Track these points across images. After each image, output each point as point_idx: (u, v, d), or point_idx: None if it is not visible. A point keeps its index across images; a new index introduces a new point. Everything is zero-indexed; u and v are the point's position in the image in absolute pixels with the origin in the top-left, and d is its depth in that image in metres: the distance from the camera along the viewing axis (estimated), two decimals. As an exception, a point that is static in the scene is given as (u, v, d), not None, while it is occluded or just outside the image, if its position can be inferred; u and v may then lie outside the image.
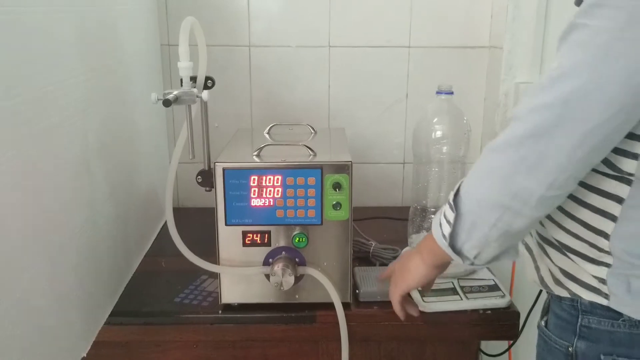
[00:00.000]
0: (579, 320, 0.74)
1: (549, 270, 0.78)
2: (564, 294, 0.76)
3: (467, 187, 0.73)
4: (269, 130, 1.15)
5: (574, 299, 0.75)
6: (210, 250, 0.97)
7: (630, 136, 0.65)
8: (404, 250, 1.13)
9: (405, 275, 0.88)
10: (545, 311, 0.82)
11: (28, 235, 0.72)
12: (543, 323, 0.81)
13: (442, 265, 0.85)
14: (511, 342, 1.20)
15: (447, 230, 0.75)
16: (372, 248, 1.15)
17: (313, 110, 1.43)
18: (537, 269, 0.81)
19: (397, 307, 0.91)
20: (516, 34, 1.26)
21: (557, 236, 0.75)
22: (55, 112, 0.78)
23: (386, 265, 1.12)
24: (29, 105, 0.71)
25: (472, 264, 0.77)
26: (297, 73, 1.41)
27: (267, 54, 1.40)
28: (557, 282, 0.76)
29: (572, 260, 0.73)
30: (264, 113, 1.43)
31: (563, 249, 0.74)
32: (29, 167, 0.72)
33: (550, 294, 0.79)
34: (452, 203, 0.74)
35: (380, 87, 1.42)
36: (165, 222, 1.36)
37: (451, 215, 0.73)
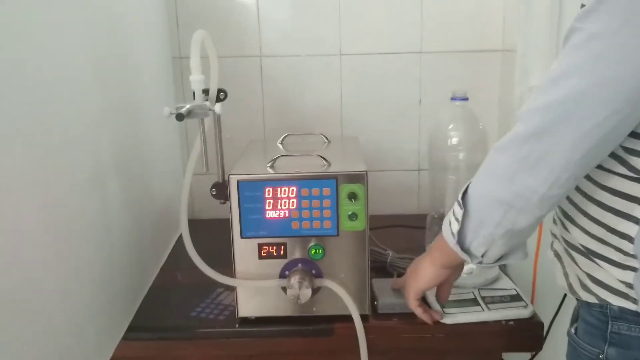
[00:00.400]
0: (609, 326, 0.73)
1: (577, 276, 0.77)
2: (592, 300, 0.74)
3: (474, 186, 0.75)
4: (282, 140, 1.14)
5: (603, 305, 0.73)
6: (225, 263, 0.96)
7: None
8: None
9: (416, 277, 0.90)
10: (575, 318, 0.81)
11: (43, 253, 0.71)
12: (573, 330, 0.80)
13: (452, 267, 0.86)
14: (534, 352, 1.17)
15: (455, 227, 0.77)
16: (389, 258, 1.13)
17: (325, 118, 1.42)
18: (566, 275, 0.80)
19: (418, 312, 0.92)
20: (529, 36, 1.24)
21: (583, 241, 0.74)
22: (68, 127, 0.78)
23: (404, 275, 1.11)
24: (41, 121, 0.70)
25: (481, 262, 0.79)
26: (309, 82, 1.40)
27: (278, 63, 1.39)
28: (585, 288, 0.75)
29: (599, 266, 0.72)
30: (276, 123, 1.43)
31: (589, 254, 0.73)
32: (43, 183, 0.71)
33: (580, 300, 0.78)
34: (460, 201, 0.76)
35: (393, 93, 1.41)
36: (180, 234, 1.36)
37: (459, 213, 0.76)
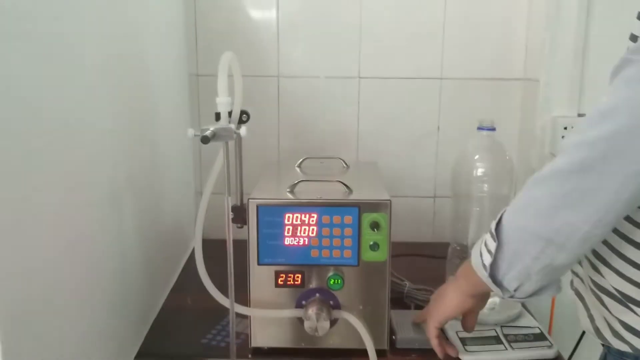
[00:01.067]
0: None
1: (606, 321, 0.73)
2: (624, 348, 0.71)
3: (510, 217, 0.72)
4: (300, 164, 1.11)
5: (638, 356, 0.69)
6: (239, 288, 0.92)
7: None
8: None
9: (440, 305, 0.86)
10: None
11: (60, 278, 0.68)
12: None
13: (479, 296, 0.83)
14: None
15: (487, 260, 0.73)
16: (406, 289, 1.10)
17: (341, 142, 1.40)
18: (592, 318, 0.76)
19: (434, 342, 0.89)
20: (554, 66, 1.22)
21: (618, 286, 0.70)
22: (84, 145, 0.75)
23: (421, 307, 1.07)
24: (56, 140, 0.68)
25: (512, 296, 0.75)
26: (326, 104, 1.38)
27: (295, 84, 1.37)
28: (617, 336, 0.71)
29: (636, 313, 0.68)
30: (291, 145, 1.40)
31: (625, 300, 0.69)
32: (58, 203, 0.68)
33: (608, 347, 0.74)
34: (493, 232, 0.72)
35: (411, 119, 1.39)
36: (190, 254, 1.33)
37: (492, 245, 0.72)
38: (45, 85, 0.65)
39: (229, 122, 0.80)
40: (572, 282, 0.82)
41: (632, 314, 0.69)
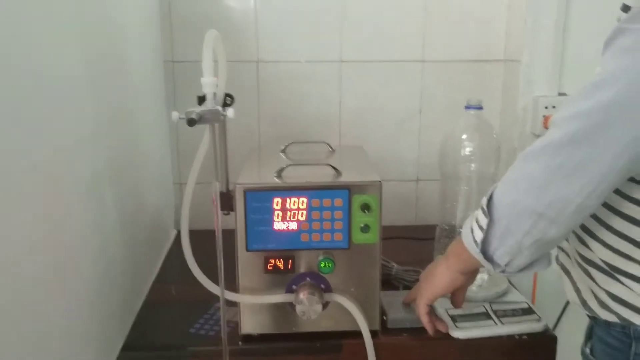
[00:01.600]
0: (633, 347, 0.70)
1: (593, 293, 0.74)
2: (612, 319, 0.71)
3: (501, 193, 0.71)
4: (285, 149, 1.09)
5: (625, 325, 0.70)
6: (227, 276, 0.90)
7: None
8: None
9: (430, 283, 0.86)
10: (589, 336, 0.78)
11: (42, 271, 0.65)
12: (588, 350, 0.77)
13: (469, 272, 0.84)
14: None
15: (479, 236, 0.73)
16: (394, 270, 1.09)
17: (323, 127, 1.38)
18: (578, 291, 0.77)
19: (424, 319, 0.89)
20: (535, 47, 1.23)
21: (604, 257, 0.71)
22: (62, 137, 0.72)
23: (410, 288, 1.07)
24: (34, 131, 0.64)
25: (503, 271, 0.75)
26: (307, 89, 1.36)
27: (275, 69, 1.35)
28: (604, 306, 0.72)
29: (623, 284, 0.69)
30: (273, 130, 1.38)
31: (612, 270, 0.70)
32: (36, 196, 0.65)
33: (595, 318, 0.75)
34: (485, 208, 0.72)
35: (394, 102, 1.38)
36: (172, 244, 1.30)
37: (484, 221, 0.72)
38: (20, 72, 0.62)
39: (215, 105, 0.77)
40: (557, 257, 0.82)
41: (619, 284, 0.70)
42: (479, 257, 0.75)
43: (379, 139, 1.39)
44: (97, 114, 0.85)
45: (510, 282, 1.06)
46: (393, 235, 1.32)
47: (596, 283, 0.72)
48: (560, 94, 1.25)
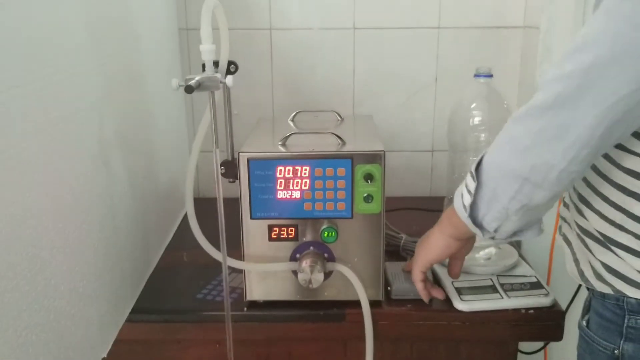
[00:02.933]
0: (625, 320, 0.69)
1: (590, 264, 0.72)
2: (607, 290, 0.70)
3: (489, 157, 0.71)
4: (293, 117, 1.09)
5: (619, 297, 0.69)
6: (233, 244, 0.91)
7: None
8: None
9: (425, 249, 0.87)
10: (587, 309, 0.76)
11: (44, 233, 0.67)
12: (584, 323, 0.75)
13: (463, 239, 0.83)
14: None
15: (467, 200, 0.73)
16: (402, 242, 1.09)
17: (337, 96, 1.37)
18: (577, 262, 0.75)
19: (419, 286, 0.89)
20: (554, 13, 1.18)
21: (600, 228, 0.69)
22: (68, 101, 0.73)
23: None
24: (39, 95, 0.65)
25: (493, 237, 0.75)
26: (320, 57, 1.35)
27: (288, 37, 1.33)
28: (600, 278, 0.71)
29: (617, 255, 0.68)
30: (286, 100, 1.37)
31: (607, 242, 0.68)
32: (42, 160, 0.67)
33: (592, 290, 0.74)
34: (473, 173, 0.72)
35: (408, 71, 1.35)
36: (186, 213, 1.32)
37: (472, 185, 0.72)
38: (25, 37, 0.62)
39: (216, 72, 0.77)
40: (560, 228, 0.81)
41: (613, 254, 0.68)
42: (467, 222, 0.75)
43: (393, 109, 1.37)
44: (106, 79, 0.85)
45: (521, 255, 1.05)
46: (406, 206, 1.32)
47: (592, 254, 0.71)
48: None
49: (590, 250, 0.72)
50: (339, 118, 1.09)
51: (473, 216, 0.74)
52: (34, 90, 0.64)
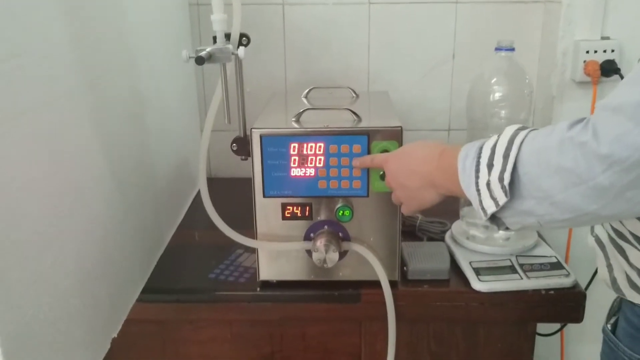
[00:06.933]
0: None
1: (624, 271, 0.68)
2: (638, 300, 0.66)
3: (536, 175, 0.57)
4: (307, 94, 1.06)
5: None
6: (246, 223, 0.90)
7: None
8: (454, 224, 1.04)
9: (416, 200, 0.77)
10: (613, 313, 0.73)
11: (51, 211, 0.65)
12: (609, 327, 0.72)
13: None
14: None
15: (490, 207, 0.62)
16: (418, 221, 1.06)
17: (351, 72, 1.33)
18: (610, 267, 0.71)
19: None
20: (578, -15, 1.13)
21: (636, 231, 0.64)
22: (76, 76, 0.71)
23: (434, 239, 1.05)
24: (45, 69, 0.63)
25: (503, 229, 0.67)
26: (335, 32, 1.31)
27: (302, 11, 1.30)
28: (633, 286, 0.67)
29: None
30: (299, 76, 1.34)
31: None
32: (51, 136, 0.65)
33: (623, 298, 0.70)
34: (507, 187, 0.59)
35: (425, 47, 1.31)
36: (198, 192, 1.30)
37: (502, 199, 0.60)
38: (29, 9, 0.60)
39: (227, 44, 0.74)
40: (592, 229, 0.75)
41: None
42: (483, 217, 0.64)
43: (409, 86, 1.33)
44: (111, 55, 0.83)
45: (540, 235, 1.02)
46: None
47: (629, 261, 0.67)
48: (603, 38, 1.16)
49: (625, 257, 0.67)
50: (354, 94, 1.06)
51: (492, 216, 0.64)
52: (35, 64, 0.61)
